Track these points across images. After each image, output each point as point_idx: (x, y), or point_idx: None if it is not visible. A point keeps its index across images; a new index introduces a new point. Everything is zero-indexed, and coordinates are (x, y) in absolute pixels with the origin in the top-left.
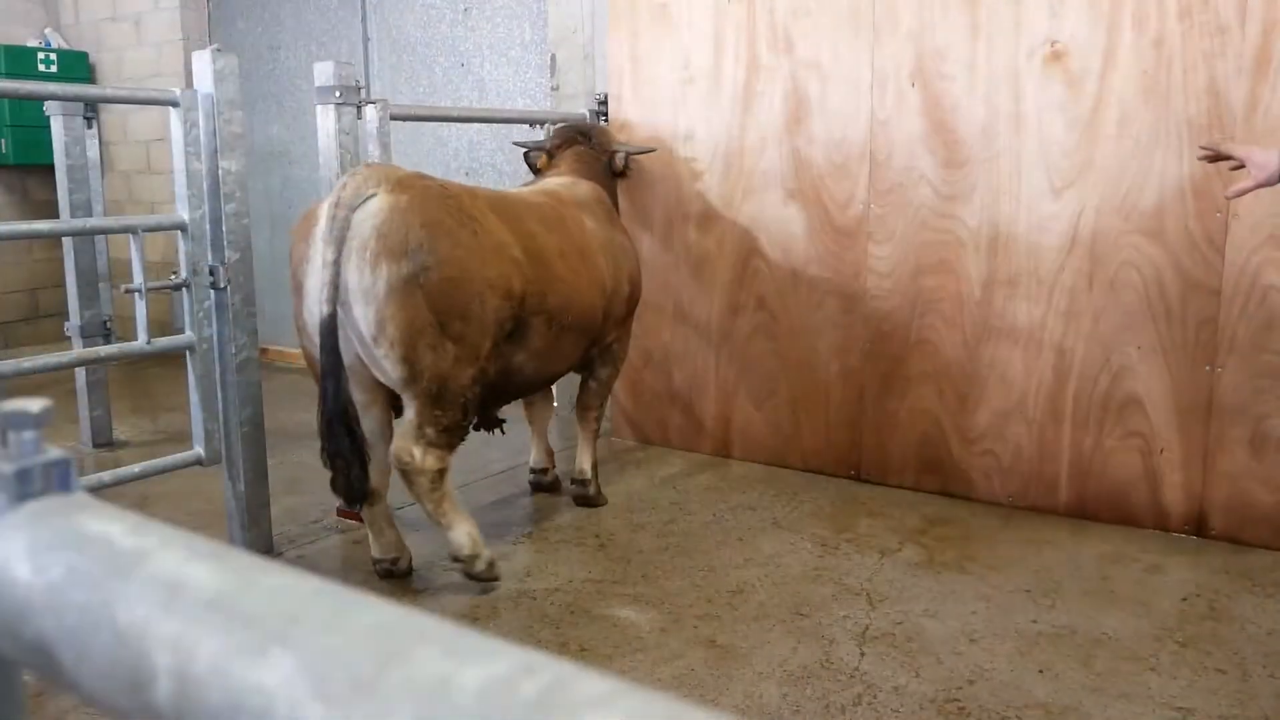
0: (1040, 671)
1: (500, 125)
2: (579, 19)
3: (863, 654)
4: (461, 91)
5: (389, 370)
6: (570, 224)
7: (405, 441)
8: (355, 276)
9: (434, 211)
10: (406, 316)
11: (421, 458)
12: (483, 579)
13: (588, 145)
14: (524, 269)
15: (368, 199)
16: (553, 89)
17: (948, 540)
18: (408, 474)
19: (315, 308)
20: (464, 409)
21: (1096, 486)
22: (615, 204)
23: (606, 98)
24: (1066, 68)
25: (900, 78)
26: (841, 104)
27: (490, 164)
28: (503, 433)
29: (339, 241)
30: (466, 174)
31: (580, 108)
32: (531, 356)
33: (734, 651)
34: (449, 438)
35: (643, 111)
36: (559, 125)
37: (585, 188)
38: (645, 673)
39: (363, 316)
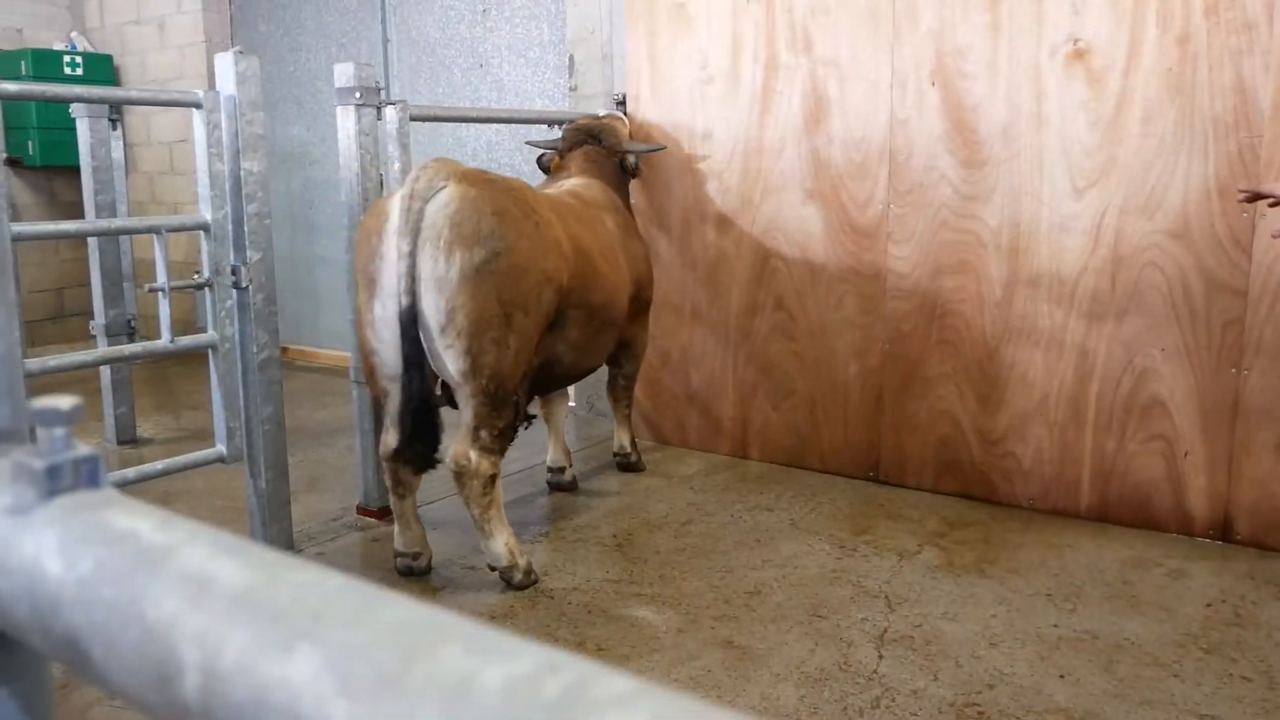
0: (1061, 676)
1: (518, 125)
2: (597, 19)
3: (881, 657)
4: (480, 92)
5: (451, 363)
6: (598, 224)
7: (462, 445)
8: (429, 265)
9: (503, 201)
10: (476, 305)
11: (477, 461)
12: (522, 586)
13: (597, 145)
14: (570, 264)
15: (439, 191)
16: (571, 89)
17: (967, 543)
18: (461, 477)
19: (390, 301)
20: (515, 409)
21: (1119, 489)
22: (627, 204)
23: (625, 98)
24: (1089, 66)
25: (920, 77)
26: (861, 103)
27: (508, 164)
28: (527, 426)
29: (414, 233)
30: None
31: (598, 108)
32: (571, 349)
33: (751, 653)
34: (502, 442)
35: (661, 111)
36: (568, 125)
37: (598, 189)
38: (662, 673)
39: (433, 306)
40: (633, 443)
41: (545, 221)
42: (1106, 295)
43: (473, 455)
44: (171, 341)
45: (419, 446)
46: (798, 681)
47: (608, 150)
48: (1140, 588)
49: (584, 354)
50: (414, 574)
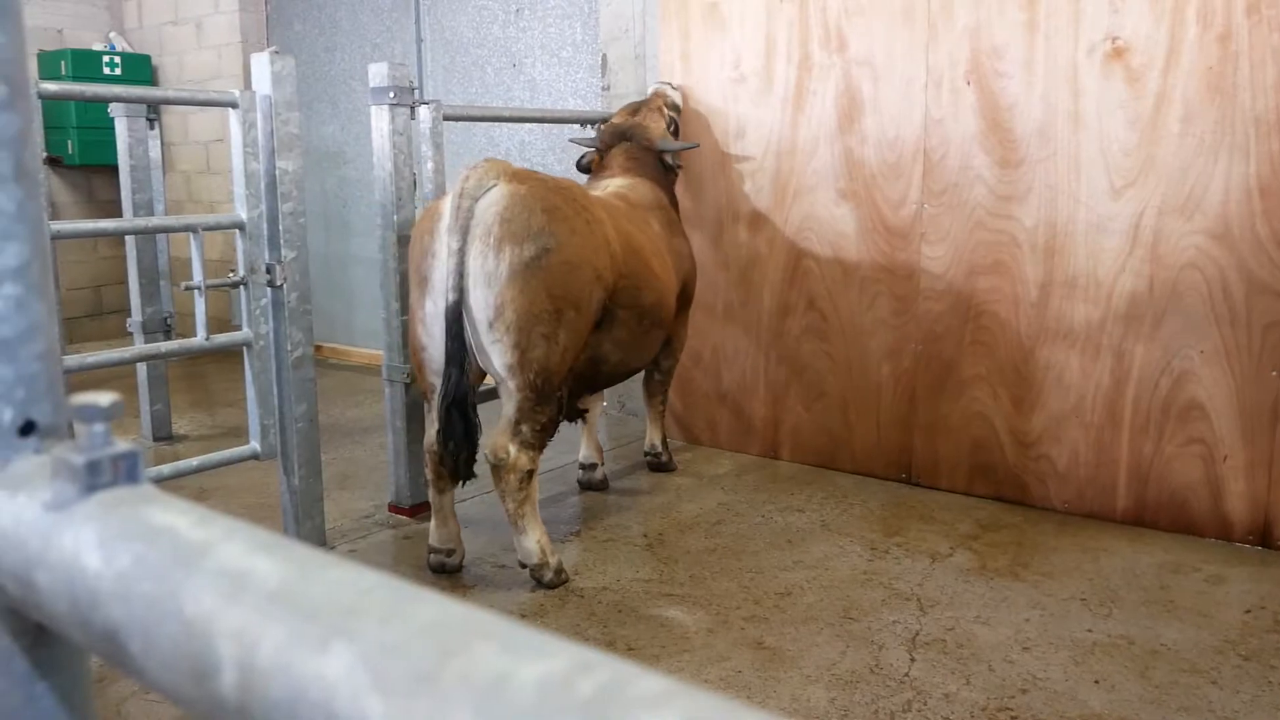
0: (1096, 682)
1: (551, 125)
2: (630, 19)
3: (913, 660)
4: (513, 92)
5: (498, 358)
6: (646, 225)
7: (502, 438)
8: (478, 262)
9: (553, 199)
10: (525, 301)
11: (516, 455)
12: (552, 585)
13: (643, 142)
14: (619, 263)
15: (489, 189)
16: (604, 89)
17: (1000, 546)
18: (499, 470)
19: (441, 299)
20: (559, 405)
21: (1156, 493)
22: (673, 200)
23: None
24: (1128, 64)
25: (955, 76)
26: (895, 103)
27: (541, 164)
28: (584, 421)
29: (464, 230)
30: None
31: None
32: (618, 348)
33: (782, 654)
34: (543, 437)
35: (693, 111)
36: (605, 124)
37: (645, 189)
38: (692, 674)
39: (482, 301)
40: (664, 442)
41: (596, 220)
42: (1144, 297)
43: (511, 449)
44: (207, 339)
45: (451, 447)
46: (828, 683)
47: (645, 148)
48: (1177, 593)
49: (631, 354)
50: (446, 571)
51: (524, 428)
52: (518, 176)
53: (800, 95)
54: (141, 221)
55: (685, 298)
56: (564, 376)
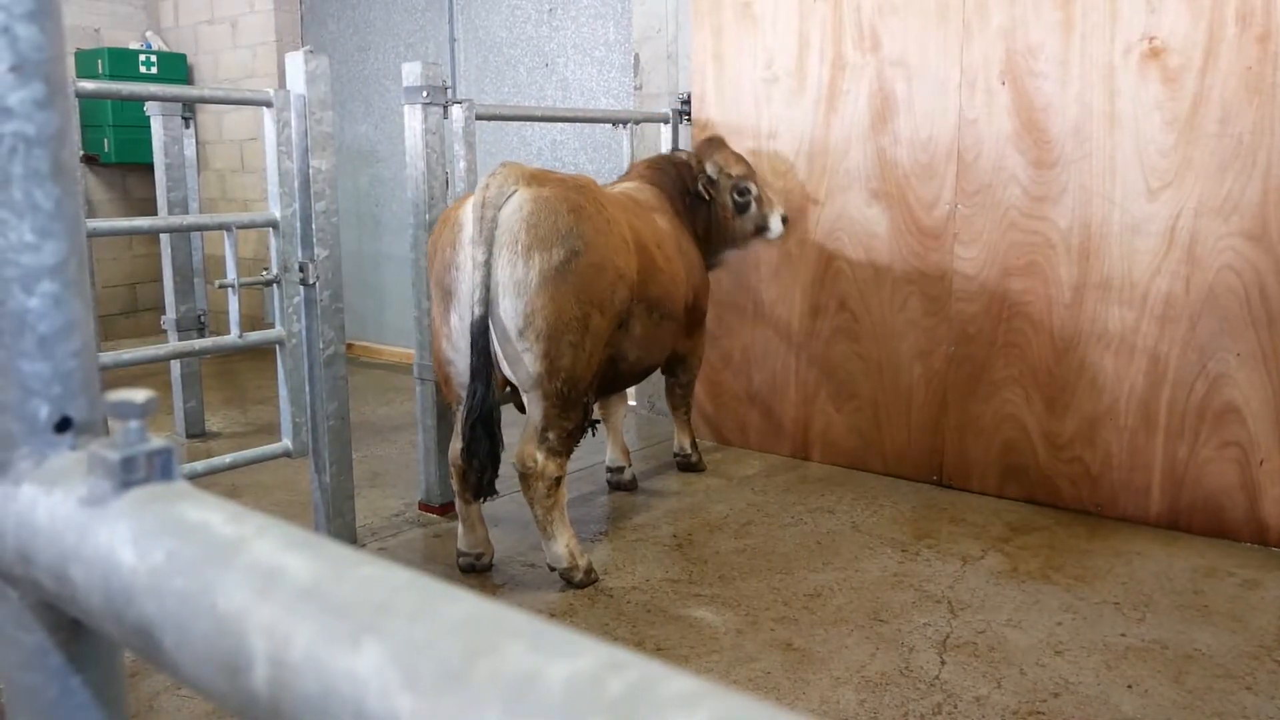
0: (1129, 687)
1: (583, 125)
2: (662, 18)
3: (943, 663)
4: (546, 91)
5: (527, 366)
6: (650, 220)
7: (529, 446)
8: (507, 271)
9: (576, 199)
10: (556, 307)
11: (543, 463)
12: (582, 585)
13: (681, 160)
14: (634, 259)
15: (511, 195)
16: (636, 88)
17: (1032, 548)
18: (526, 478)
19: (466, 312)
20: (584, 411)
21: (1190, 497)
22: (684, 217)
23: (690, 97)
24: (1165, 64)
25: (990, 76)
26: (929, 103)
27: (573, 163)
28: (593, 434)
29: (489, 241)
30: None
31: (663, 107)
32: (635, 345)
33: (811, 656)
34: (569, 443)
35: (725, 111)
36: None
37: (650, 193)
38: (721, 674)
39: (511, 310)
40: (693, 444)
41: (614, 219)
42: (1180, 298)
43: (539, 456)
44: (240, 337)
45: (475, 464)
46: (858, 686)
47: (675, 163)
48: (1211, 597)
49: (646, 350)
50: (476, 571)
51: (550, 435)
52: (537, 179)
53: (833, 95)
54: (176, 220)
55: (699, 311)
56: (590, 380)
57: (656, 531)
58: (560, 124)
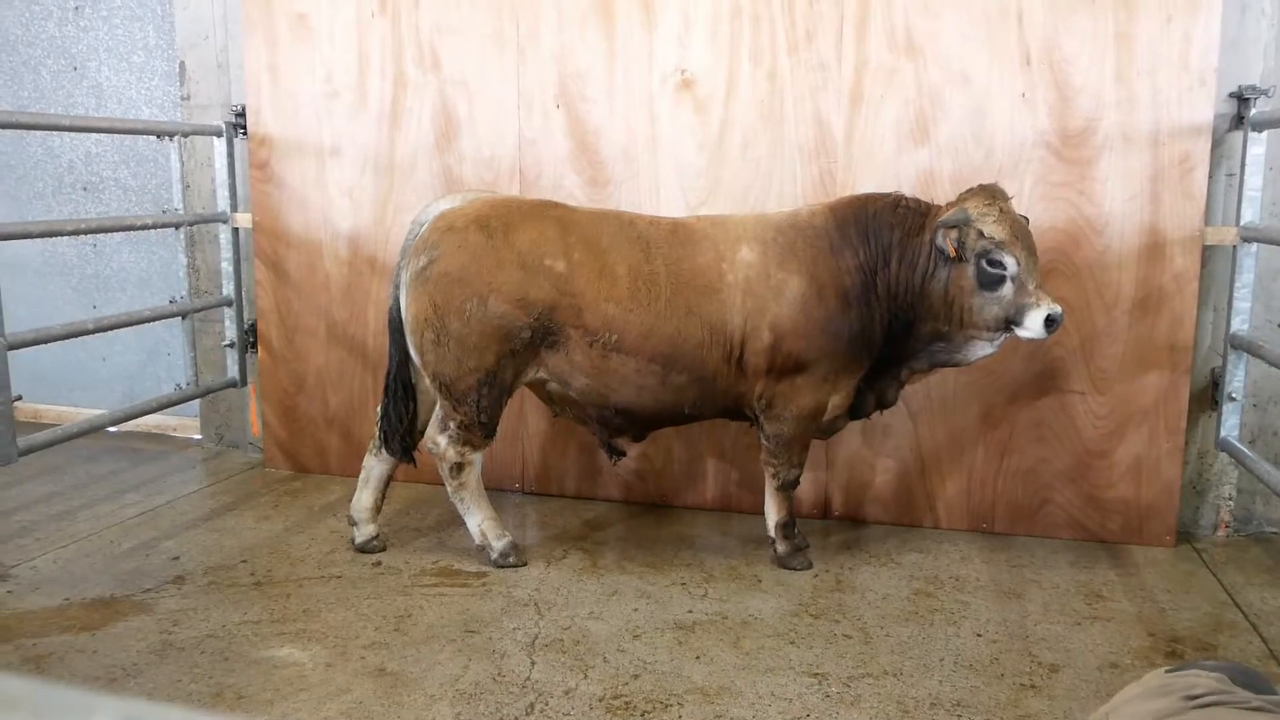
0: (697, 658)
1: (124, 136)
2: (209, 24)
3: (533, 663)
4: (75, 98)
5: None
6: (650, 251)
7: (433, 430)
8: (403, 274)
9: (459, 220)
10: (416, 307)
11: (445, 448)
12: (507, 566)
13: (888, 200)
14: (559, 283)
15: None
16: (183, 98)
17: (608, 543)
18: (435, 459)
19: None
20: (476, 410)
21: (739, 480)
22: (897, 284)
23: (245, 109)
24: (695, 94)
25: (546, 98)
26: (490, 123)
27: (113, 178)
28: (615, 463)
29: (403, 248)
30: (85, 189)
31: (215, 119)
32: (578, 371)
33: (404, 678)
34: (467, 434)
35: (284, 125)
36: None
37: (761, 222)
38: (310, 712)
39: (401, 306)
40: (783, 527)
41: (520, 238)
42: None
43: (440, 440)
44: None
45: (387, 419)
46: (452, 700)
47: (874, 199)
48: (760, 568)
49: (603, 381)
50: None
51: (449, 423)
52: (475, 200)
53: (396, 112)
54: None
55: (776, 350)
56: (473, 383)
57: (230, 572)
58: (95, 135)
